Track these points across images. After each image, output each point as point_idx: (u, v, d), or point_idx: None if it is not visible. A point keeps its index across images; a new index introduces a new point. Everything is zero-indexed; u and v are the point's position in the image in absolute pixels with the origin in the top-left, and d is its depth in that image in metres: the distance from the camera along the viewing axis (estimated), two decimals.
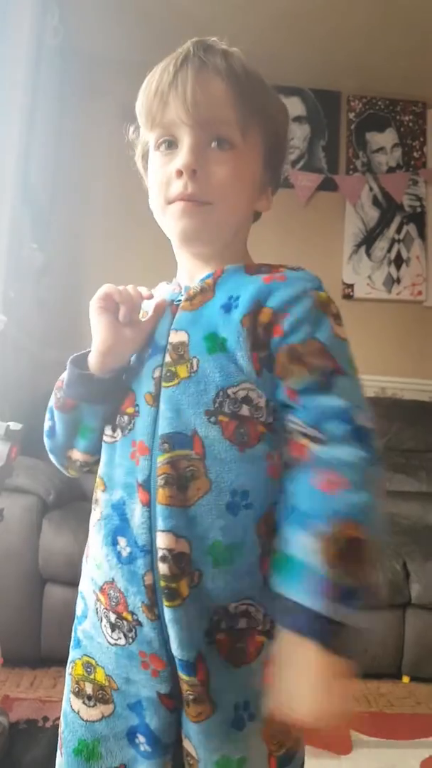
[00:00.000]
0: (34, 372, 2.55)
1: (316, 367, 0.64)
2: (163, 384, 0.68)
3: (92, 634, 0.71)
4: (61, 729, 0.74)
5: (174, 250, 0.79)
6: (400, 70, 2.98)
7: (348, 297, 3.06)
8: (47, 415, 0.76)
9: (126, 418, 0.70)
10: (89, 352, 0.73)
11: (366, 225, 3.13)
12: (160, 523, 0.64)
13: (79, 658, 0.72)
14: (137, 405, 0.69)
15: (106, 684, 0.69)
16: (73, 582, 1.82)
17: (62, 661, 2.08)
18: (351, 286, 3.08)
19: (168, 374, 0.68)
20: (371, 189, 3.14)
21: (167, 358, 0.68)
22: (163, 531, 0.64)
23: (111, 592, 0.68)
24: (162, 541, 0.64)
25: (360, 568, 0.57)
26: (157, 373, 0.69)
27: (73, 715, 0.71)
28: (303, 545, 0.58)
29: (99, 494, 0.72)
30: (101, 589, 0.70)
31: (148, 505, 0.65)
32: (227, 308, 0.68)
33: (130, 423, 0.69)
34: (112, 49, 2.88)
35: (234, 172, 0.71)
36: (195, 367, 0.67)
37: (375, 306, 3.06)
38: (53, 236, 2.79)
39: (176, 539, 0.64)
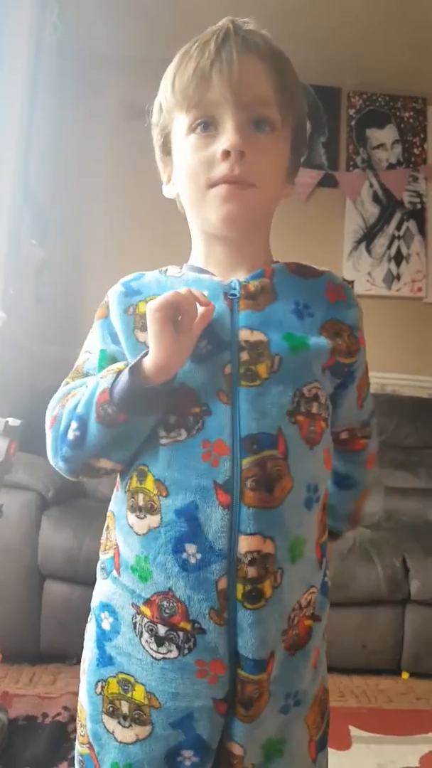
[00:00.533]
0: (33, 368, 2.55)
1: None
2: (243, 383, 0.66)
3: (129, 651, 0.68)
4: (94, 751, 0.70)
5: (200, 238, 0.76)
6: (400, 66, 2.97)
7: None
8: (72, 425, 0.67)
9: (191, 418, 0.65)
10: (140, 362, 0.65)
11: (366, 221, 3.13)
12: (248, 526, 0.63)
13: (113, 676, 0.68)
14: (205, 404, 0.65)
15: (145, 702, 0.66)
16: (72, 578, 1.86)
17: (61, 658, 2.08)
18: (351, 282, 3.07)
19: (249, 373, 0.66)
20: (371, 185, 3.14)
21: (244, 356, 0.66)
22: (250, 534, 0.63)
23: (164, 603, 0.65)
24: (250, 544, 0.63)
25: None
26: (228, 370, 0.66)
27: (107, 736, 0.68)
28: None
29: (155, 500, 0.66)
30: (148, 602, 0.66)
31: (229, 507, 0.63)
32: (299, 314, 0.70)
33: (198, 423, 0.65)
34: (111, 45, 2.88)
35: (275, 155, 0.71)
36: (276, 366, 0.66)
37: (375, 302, 3.06)
38: (53, 233, 2.78)
39: (264, 540, 0.63)
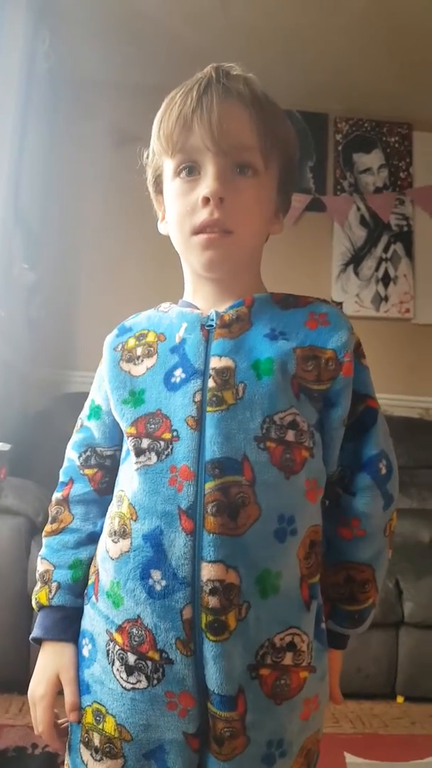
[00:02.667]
0: (24, 391, 2.54)
1: (368, 410, 0.76)
2: (209, 408, 0.66)
3: (102, 679, 0.67)
4: None
5: (190, 276, 0.79)
6: (386, 92, 3.04)
7: None
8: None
9: (162, 443, 0.67)
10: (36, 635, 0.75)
11: (354, 244, 3.16)
12: (209, 553, 0.62)
13: (89, 705, 0.68)
14: (176, 430, 0.66)
15: (116, 735, 0.65)
16: None
17: None
18: (340, 304, 3.10)
19: (214, 399, 0.66)
20: (359, 209, 3.18)
21: (211, 383, 0.67)
22: (212, 561, 0.62)
23: (133, 630, 0.65)
24: (211, 572, 0.62)
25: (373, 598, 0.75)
26: (198, 397, 0.67)
27: (83, 767, 0.68)
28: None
29: (128, 524, 0.67)
30: (119, 628, 0.66)
31: (192, 533, 0.63)
32: (273, 337, 0.70)
33: (168, 448, 0.66)
34: (102, 72, 2.92)
35: (256, 199, 0.72)
36: (241, 393, 0.66)
37: (364, 323, 3.08)
38: (44, 256, 2.80)
39: (227, 570, 0.62)
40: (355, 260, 3.15)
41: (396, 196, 3.19)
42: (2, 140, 2.36)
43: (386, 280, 3.14)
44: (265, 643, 0.64)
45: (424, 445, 2.73)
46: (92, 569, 0.74)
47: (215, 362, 0.68)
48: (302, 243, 3.09)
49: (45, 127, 2.76)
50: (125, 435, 0.71)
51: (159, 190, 0.79)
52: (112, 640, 0.67)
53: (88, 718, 0.68)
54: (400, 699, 1.98)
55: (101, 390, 0.77)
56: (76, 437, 0.81)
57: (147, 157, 0.79)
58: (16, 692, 1.86)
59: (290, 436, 0.67)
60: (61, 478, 0.81)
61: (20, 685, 1.87)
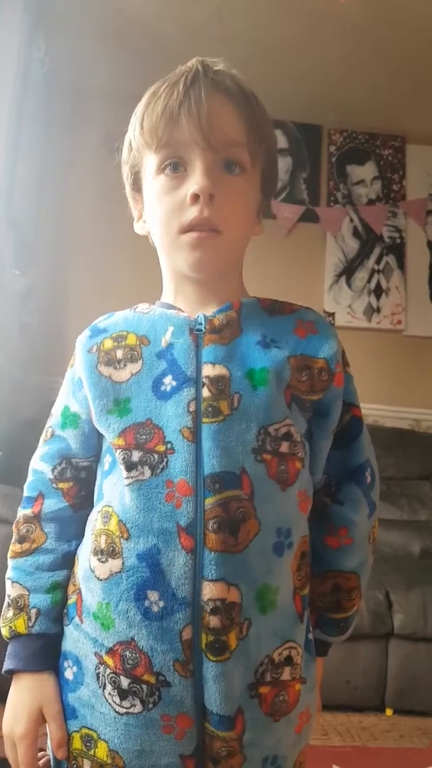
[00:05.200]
0: (15, 398, 2.53)
1: (354, 420, 0.75)
2: (205, 419, 0.63)
3: (92, 703, 0.63)
4: None
5: (170, 276, 0.76)
6: (381, 105, 3.06)
7: None
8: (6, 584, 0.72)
9: (156, 456, 0.63)
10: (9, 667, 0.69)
11: (346, 255, 3.18)
12: (210, 572, 0.60)
13: (76, 731, 0.64)
14: (170, 442, 0.63)
15: (108, 762, 0.62)
16: None
17: None
18: (332, 314, 3.11)
19: (210, 409, 0.63)
20: (352, 220, 3.20)
21: (206, 392, 0.64)
22: (213, 580, 0.59)
23: (126, 653, 0.61)
24: (213, 591, 0.59)
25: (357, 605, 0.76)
26: (192, 407, 0.64)
27: None
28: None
29: (117, 542, 0.63)
30: (110, 651, 0.62)
31: (193, 552, 0.60)
32: (265, 346, 0.68)
33: (162, 461, 0.63)
34: (97, 79, 2.93)
35: (243, 197, 0.70)
36: (236, 404, 0.64)
37: (356, 334, 3.09)
38: (37, 262, 2.79)
39: (228, 588, 0.60)
40: (348, 271, 3.17)
41: (389, 208, 3.21)
42: None
43: (378, 291, 3.15)
44: (265, 660, 0.62)
45: (415, 457, 2.74)
46: (71, 588, 0.70)
47: (209, 370, 0.65)
48: (295, 253, 3.11)
49: (39, 133, 2.77)
50: (111, 446, 0.67)
51: (137, 188, 0.76)
52: (102, 663, 0.63)
53: (76, 743, 0.64)
54: (389, 711, 1.97)
55: (77, 396, 0.72)
56: (45, 448, 0.75)
57: (123, 154, 0.76)
58: (2, 702, 1.83)
59: (284, 447, 0.65)
60: (27, 493, 0.74)
61: (3, 695, 1.84)
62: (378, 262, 3.17)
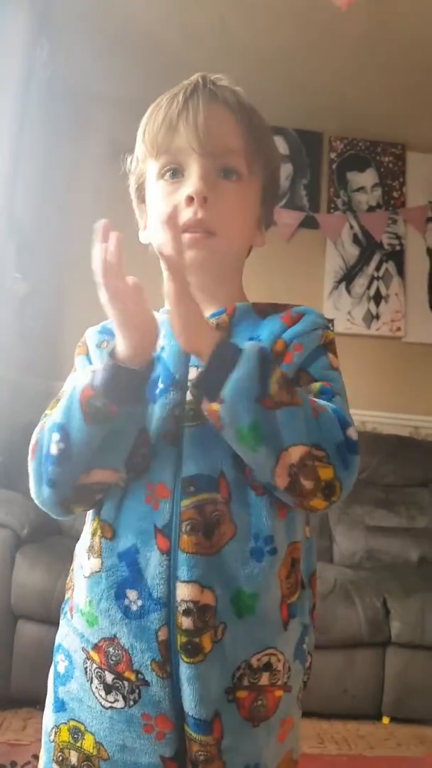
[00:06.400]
0: (14, 402, 2.52)
1: (324, 387, 0.67)
2: (186, 423, 0.64)
3: (80, 697, 0.65)
4: None
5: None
6: (381, 112, 3.07)
7: None
8: (54, 437, 0.62)
9: (140, 459, 0.64)
10: (115, 350, 0.62)
11: (346, 262, 3.18)
12: (183, 573, 0.61)
13: (65, 723, 0.66)
14: (153, 445, 0.64)
15: (94, 753, 0.63)
16: (46, 620, 1.80)
17: (33, 703, 2.01)
18: (331, 321, 3.11)
19: (191, 413, 0.64)
20: (351, 227, 3.20)
21: (189, 396, 0.65)
22: (186, 581, 0.60)
23: (110, 649, 0.63)
24: (186, 592, 0.60)
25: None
26: (177, 411, 0.65)
27: None
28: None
29: (98, 542, 0.65)
30: (95, 647, 0.64)
31: (168, 553, 0.61)
32: None
33: (145, 464, 0.64)
34: (100, 84, 2.94)
35: (239, 203, 0.72)
36: None
37: (355, 341, 3.09)
38: (38, 267, 2.79)
39: (201, 590, 0.61)
40: (348, 278, 3.17)
41: (389, 215, 3.21)
42: None
43: (378, 298, 3.15)
44: (242, 664, 0.62)
45: (414, 464, 2.74)
46: (68, 584, 0.72)
47: (193, 373, 0.66)
48: (295, 260, 3.11)
49: (41, 136, 2.77)
50: None
51: (141, 198, 0.78)
52: (89, 658, 0.65)
53: (64, 736, 0.66)
54: (386, 720, 1.96)
55: None
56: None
57: (130, 164, 0.79)
58: None
59: None
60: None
61: (1, 700, 1.84)
62: (378, 268, 3.18)
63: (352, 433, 0.63)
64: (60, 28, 2.62)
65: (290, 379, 0.64)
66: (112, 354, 0.61)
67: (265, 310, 0.73)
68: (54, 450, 0.62)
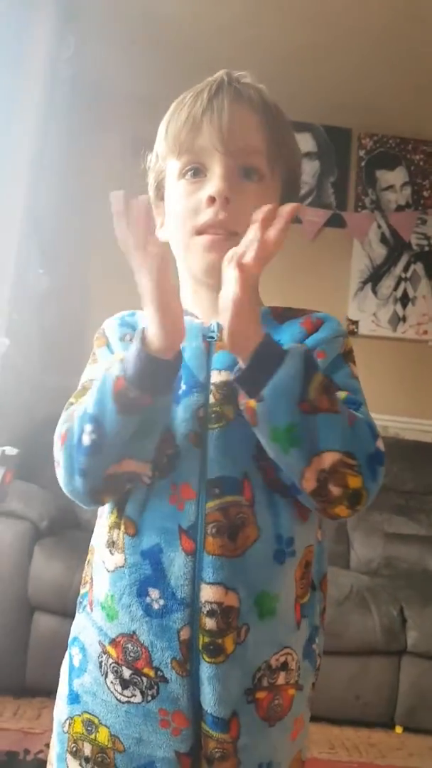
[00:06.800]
0: (34, 396, 2.54)
1: (350, 397, 0.67)
2: (210, 425, 0.64)
3: (94, 690, 0.66)
4: None
5: (187, 283, 0.76)
6: (412, 109, 3.01)
7: (352, 333, 3.03)
8: (87, 428, 0.61)
9: (165, 459, 0.65)
10: (145, 339, 0.61)
11: (373, 262, 3.13)
12: (208, 575, 0.61)
13: (78, 715, 0.67)
14: (178, 446, 0.65)
15: (109, 746, 0.64)
16: (62, 612, 1.82)
17: (47, 692, 2.03)
18: (356, 322, 3.07)
19: (215, 415, 0.65)
20: (379, 227, 3.15)
21: (212, 398, 0.65)
22: (211, 583, 0.61)
23: (129, 645, 0.63)
24: (210, 594, 0.61)
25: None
26: (201, 413, 0.65)
27: None
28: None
29: (122, 537, 0.65)
30: (113, 642, 0.65)
31: (193, 554, 0.62)
32: None
33: (170, 464, 0.64)
34: (123, 81, 2.93)
35: (261, 203, 0.69)
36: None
37: (379, 344, 3.05)
38: (60, 262, 2.80)
39: (226, 592, 0.61)
40: (374, 278, 3.12)
41: (418, 215, 3.16)
42: (23, 146, 2.36)
43: (405, 300, 3.10)
44: (262, 665, 0.63)
45: None
46: (85, 578, 0.72)
47: (215, 376, 0.67)
48: (320, 259, 3.07)
49: (64, 132, 2.77)
50: None
51: (160, 196, 0.78)
52: (105, 652, 0.65)
53: (77, 727, 0.67)
54: (399, 729, 1.94)
55: None
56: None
57: (149, 161, 0.78)
58: (11, 696, 1.86)
59: None
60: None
61: (16, 690, 1.87)
62: (405, 269, 3.13)
63: (380, 444, 0.63)
64: (85, 24, 2.62)
65: (330, 382, 0.63)
66: (143, 345, 0.60)
67: (282, 314, 0.73)
68: (87, 440, 0.62)
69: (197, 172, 0.71)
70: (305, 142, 3.16)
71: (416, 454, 2.70)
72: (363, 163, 3.20)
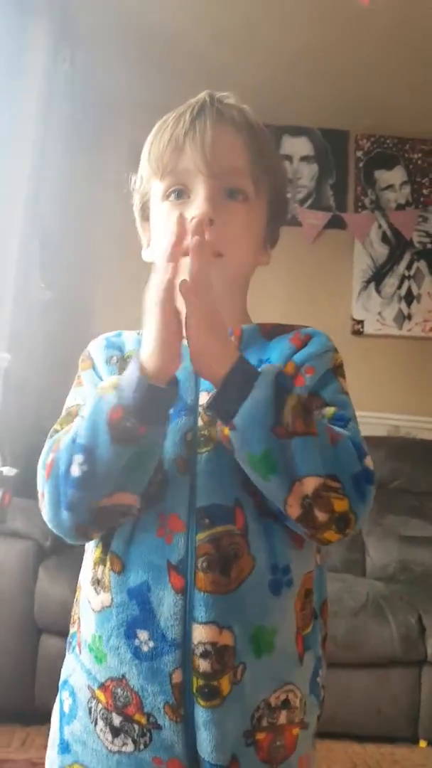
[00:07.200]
0: (38, 410, 2.51)
1: (338, 413, 0.65)
2: (198, 449, 0.62)
3: (84, 739, 0.62)
4: None
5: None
6: (410, 108, 2.98)
7: (358, 333, 3.03)
8: (77, 459, 0.58)
9: (152, 487, 0.61)
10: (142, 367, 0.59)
11: (375, 262, 3.11)
12: (200, 614, 0.58)
13: (69, 766, 0.63)
14: (165, 472, 0.62)
15: None
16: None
17: None
18: (361, 322, 3.05)
19: (203, 438, 0.62)
20: (380, 226, 3.13)
21: (200, 421, 0.63)
22: (204, 623, 0.58)
23: (118, 690, 0.60)
24: (203, 634, 0.58)
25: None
26: (189, 437, 0.63)
27: None
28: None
29: (108, 575, 0.62)
30: (102, 686, 0.61)
31: (183, 592, 0.58)
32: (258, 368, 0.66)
33: (157, 492, 0.61)
34: (123, 92, 2.93)
35: (246, 224, 0.71)
36: None
37: (386, 342, 3.02)
38: (61, 274, 2.78)
39: (220, 631, 0.58)
40: (377, 278, 3.09)
41: (419, 212, 3.13)
42: (23, 158, 2.35)
43: (409, 298, 3.07)
44: (261, 704, 0.60)
45: None
46: (74, 616, 0.69)
47: (204, 397, 0.64)
48: (322, 261, 3.07)
49: (65, 146, 2.77)
50: None
51: (145, 216, 0.78)
52: (94, 697, 0.62)
53: None
54: (422, 743, 1.87)
55: None
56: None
57: (134, 183, 0.78)
58: (20, 724, 1.80)
59: None
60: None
61: (24, 717, 1.82)
62: (408, 267, 3.10)
63: (368, 462, 0.61)
64: (82, 36, 2.62)
65: (306, 404, 0.61)
66: (141, 371, 0.58)
67: (271, 332, 0.72)
68: (76, 472, 0.58)
69: (180, 193, 0.70)
70: (302, 146, 3.18)
71: (427, 453, 2.66)
72: (361, 164, 3.19)
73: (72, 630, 0.68)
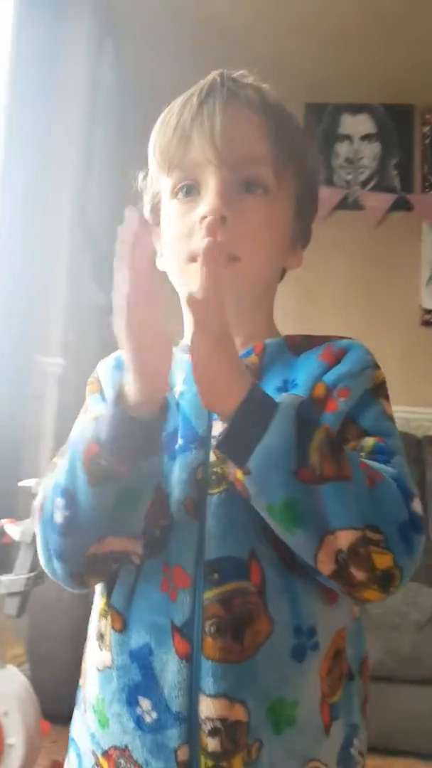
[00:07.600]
0: None
1: (379, 445, 0.56)
2: (209, 490, 0.54)
3: None
4: None
5: (187, 316, 0.66)
6: None
7: (428, 324, 2.86)
8: (58, 503, 0.52)
9: (158, 531, 0.54)
10: (123, 396, 0.51)
11: None
12: (207, 685, 0.51)
13: None
14: (172, 514, 0.54)
15: None
16: None
17: None
18: (430, 312, 2.87)
19: (215, 477, 0.54)
20: None
21: (213, 456, 0.55)
22: (212, 696, 0.50)
23: (121, 761, 0.53)
24: (211, 708, 0.50)
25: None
26: (200, 474, 0.55)
27: None
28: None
29: (109, 632, 0.55)
30: (105, 754, 0.55)
31: (189, 659, 0.51)
32: (284, 391, 0.58)
33: (162, 539, 0.54)
34: (168, 81, 2.85)
35: (266, 220, 0.62)
36: None
37: None
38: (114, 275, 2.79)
39: (231, 705, 0.50)
40: None
41: None
42: (69, 159, 2.34)
43: None
44: None
45: None
46: (83, 664, 0.63)
47: (218, 427, 0.55)
48: (386, 246, 2.92)
49: (112, 140, 2.74)
50: None
51: (157, 221, 0.68)
52: (97, 764, 0.56)
53: None
54: None
55: None
56: None
57: (143, 181, 0.70)
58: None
59: None
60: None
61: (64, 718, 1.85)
62: None
63: (417, 506, 0.51)
64: (124, 27, 2.59)
65: (337, 440, 0.52)
66: (118, 400, 0.50)
67: (299, 345, 0.62)
68: (59, 518, 0.53)
69: (190, 189, 0.61)
70: (363, 124, 3.03)
71: None
72: (428, 141, 3.00)
73: (80, 682, 0.63)
